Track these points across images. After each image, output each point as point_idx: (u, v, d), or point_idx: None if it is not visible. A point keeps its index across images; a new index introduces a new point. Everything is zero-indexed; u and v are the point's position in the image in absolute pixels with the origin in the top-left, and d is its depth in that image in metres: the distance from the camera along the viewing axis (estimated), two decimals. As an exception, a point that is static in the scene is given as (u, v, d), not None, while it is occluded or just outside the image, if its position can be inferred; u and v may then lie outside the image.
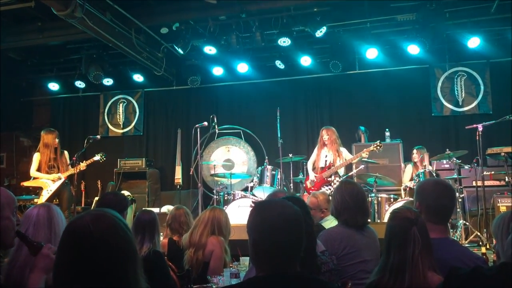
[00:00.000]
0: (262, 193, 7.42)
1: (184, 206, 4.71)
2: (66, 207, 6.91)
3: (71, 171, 6.97)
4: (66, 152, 7.18)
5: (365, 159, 7.18)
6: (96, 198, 8.61)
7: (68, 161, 7.12)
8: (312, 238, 2.54)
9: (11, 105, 10.10)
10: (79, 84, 10.09)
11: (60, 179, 6.91)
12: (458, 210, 6.74)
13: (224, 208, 6.84)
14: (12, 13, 7.49)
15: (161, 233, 5.27)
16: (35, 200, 8.08)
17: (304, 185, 7.42)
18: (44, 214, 2.45)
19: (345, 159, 7.01)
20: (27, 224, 2.40)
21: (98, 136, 7.44)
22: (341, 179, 6.71)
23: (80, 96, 10.79)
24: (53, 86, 10.32)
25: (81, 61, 9.27)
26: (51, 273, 1.78)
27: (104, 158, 7.38)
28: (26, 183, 7.44)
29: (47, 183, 6.95)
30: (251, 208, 1.91)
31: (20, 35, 8.18)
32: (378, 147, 6.87)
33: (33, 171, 6.98)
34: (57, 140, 7.00)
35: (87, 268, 1.41)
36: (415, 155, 7.53)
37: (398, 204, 6.65)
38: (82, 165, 7.04)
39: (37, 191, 7.33)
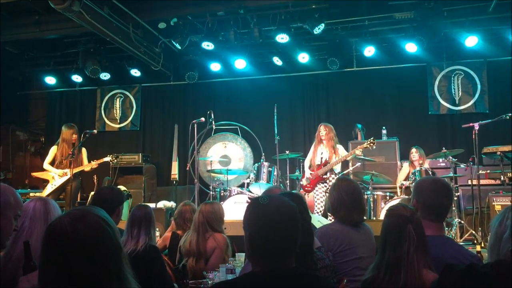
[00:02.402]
0: (258, 190, 7.43)
1: (192, 202, 4.74)
2: (68, 202, 6.89)
3: (80, 167, 6.97)
4: (84, 149, 7.17)
5: (361, 157, 7.19)
6: (92, 193, 8.59)
7: (84, 159, 7.12)
8: (309, 234, 2.55)
9: (8, 98, 10.06)
10: (76, 78, 10.08)
11: (66, 175, 6.90)
12: (454, 208, 6.75)
13: (221, 204, 6.85)
14: (9, 6, 7.44)
15: (157, 228, 5.30)
16: (31, 194, 8.10)
17: (300, 182, 7.42)
18: (40, 208, 2.45)
19: (341, 157, 7.01)
20: (23, 217, 2.39)
21: (95, 131, 7.42)
22: (337, 176, 6.71)
23: (77, 90, 10.75)
24: (50, 80, 10.30)
25: (78, 55, 9.24)
26: None
27: (115, 160, 7.40)
28: (35, 174, 7.51)
29: (54, 177, 6.97)
30: (247, 204, 1.91)
31: (17, 28, 8.14)
32: (372, 144, 6.87)
33: (45, 163, 7.06)
34: (74, 136, 7.03)
35: (65, 267, 1.41)
36: (414, 154, 7.49)
37: (394, 202, 6.67)
38: (94, 164, 7.05)
39: (43, 183, 7.36)
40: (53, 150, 7.07)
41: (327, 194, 6.60)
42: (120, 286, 1.47)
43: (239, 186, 8.25)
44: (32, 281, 2.00)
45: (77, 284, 1.41)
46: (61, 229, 1.44)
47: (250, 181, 7.69)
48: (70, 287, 1.41)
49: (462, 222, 6.91)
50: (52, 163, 7.01)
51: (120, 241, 1.54)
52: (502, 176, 6.98)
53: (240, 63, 9.17)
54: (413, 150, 7.56)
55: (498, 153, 7.13)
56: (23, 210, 2.43)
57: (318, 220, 4.51)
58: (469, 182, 7.13)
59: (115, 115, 10.61)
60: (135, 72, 9.82)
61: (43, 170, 7.11)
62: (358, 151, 6.88)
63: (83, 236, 1.43)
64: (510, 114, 6.49)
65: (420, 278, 2.08)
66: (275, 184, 7.50)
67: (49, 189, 6.96)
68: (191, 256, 3.86)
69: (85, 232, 1.44)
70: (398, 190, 7.50)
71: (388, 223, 2.24)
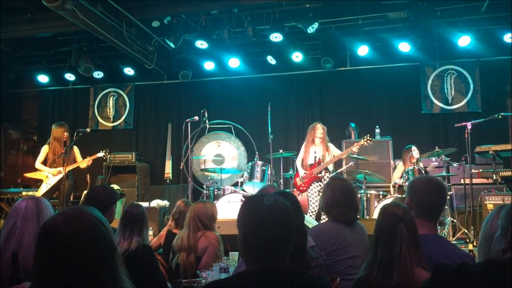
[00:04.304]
0: (252, 189, 7.43)
1: (192, 202, 4.73)
2: (62, 201, 6.84)
3: (75, 164, 6.92)
4: (76, 147, 7.10)
5: (355, 155, 7.20)
6: (85, 192, 8.55)
7: (77, 156, 7.06)
8: (303, 233, 2.55)
9: (0, 96, 9.99)
10: (69, 76, 10.02)
11: (60, 173, 6.83)
12: (446, 207, 6.77)
13: (214, 203, 6.85)
14: (1, 4, 7.40)
15: (150, 227, 5.28)
16: (23, 193, 8.04)
17: (294, 182, 7.39)
18: (32, 207, 2.44)
19: (334, 155, 7.00)
20: (15, 216, 2.38)
21: (88, 130, 7.39)
22: (332, 175, 6.71)
23: (70, 88, 10.70)
24: (43, 78, 10.23)
25: (71, 54, 9.19)
26: None
27: (108, 155, 7.40)
28: (28, 174, 7.43)
29: (48, 177, 6.89)
30: (241, 203, 1.91)
31: (9, 26, 8.06)
32: (368, 141, 6.88)
33: (37, 163, 6.96)
34: (66, 134, 6.98)
35: (59, 267, 1.40)
36: (417, 151, 7.38)
37: (387, 201, 6.69)
38: (87, 160, 7.00)
39: (37, 183, 7.29)
40: (44, 150, 6.97)
41: (321, 193, 6.62)
42: (114, 285, 1.47)
43: (232, 185, 8.25)
44: None
45: (71, 283, 1.40)
46: (55, 228, 1.43)
47: (244, 180, 7.69)
48: (64, 287, 1.40)
49: (455, 221, 6.94)
50: (44, 163, 6.91)
51: (114, 241, 1.54)
52: (494, 175, 7.00)
53: (234, 62, 9.16)
54: (415, 147, 7.44)
55: (491, 152, 7.15)
56: (15, 209, 2.42)
57: (307, 220, 4.51)
58: (462, 181, 7.15)
59: (108, 113, 10.57)
60: (129, 71, 9.78)
61: (36, 169, 7.04)
62: (355, 148, 6.89)
63: (78, 236, 1.42)
64: (502, 114, 6.53)
65: (413, 277, 2.09)
66: (269, 183, 7.50)
67: (43, 188, 6.87)
68: (182, 251, 3.89)
69: (79, 232, 1.43)
70: (391, 189, 7.51)
71: (381, 222, 2.25)
